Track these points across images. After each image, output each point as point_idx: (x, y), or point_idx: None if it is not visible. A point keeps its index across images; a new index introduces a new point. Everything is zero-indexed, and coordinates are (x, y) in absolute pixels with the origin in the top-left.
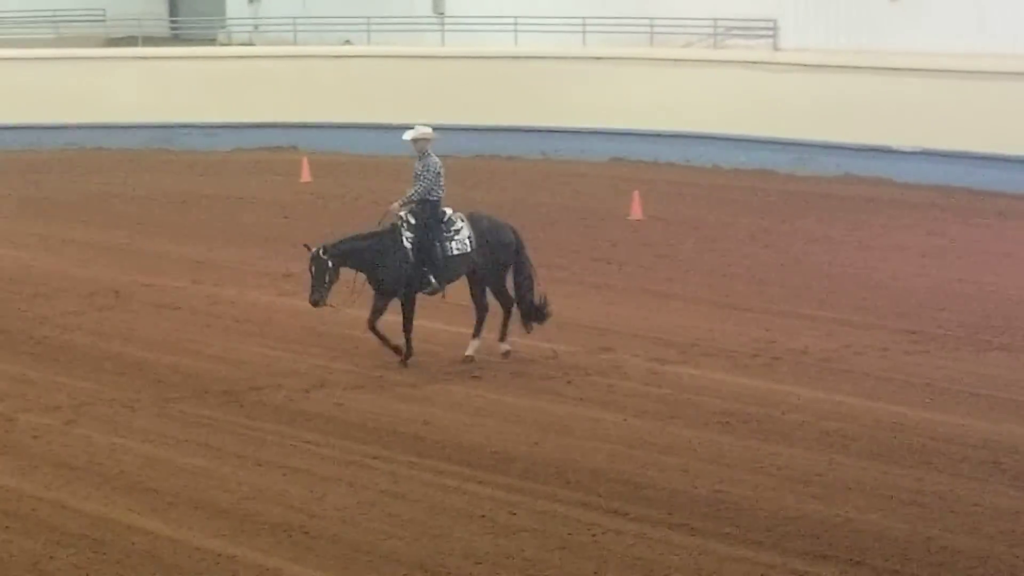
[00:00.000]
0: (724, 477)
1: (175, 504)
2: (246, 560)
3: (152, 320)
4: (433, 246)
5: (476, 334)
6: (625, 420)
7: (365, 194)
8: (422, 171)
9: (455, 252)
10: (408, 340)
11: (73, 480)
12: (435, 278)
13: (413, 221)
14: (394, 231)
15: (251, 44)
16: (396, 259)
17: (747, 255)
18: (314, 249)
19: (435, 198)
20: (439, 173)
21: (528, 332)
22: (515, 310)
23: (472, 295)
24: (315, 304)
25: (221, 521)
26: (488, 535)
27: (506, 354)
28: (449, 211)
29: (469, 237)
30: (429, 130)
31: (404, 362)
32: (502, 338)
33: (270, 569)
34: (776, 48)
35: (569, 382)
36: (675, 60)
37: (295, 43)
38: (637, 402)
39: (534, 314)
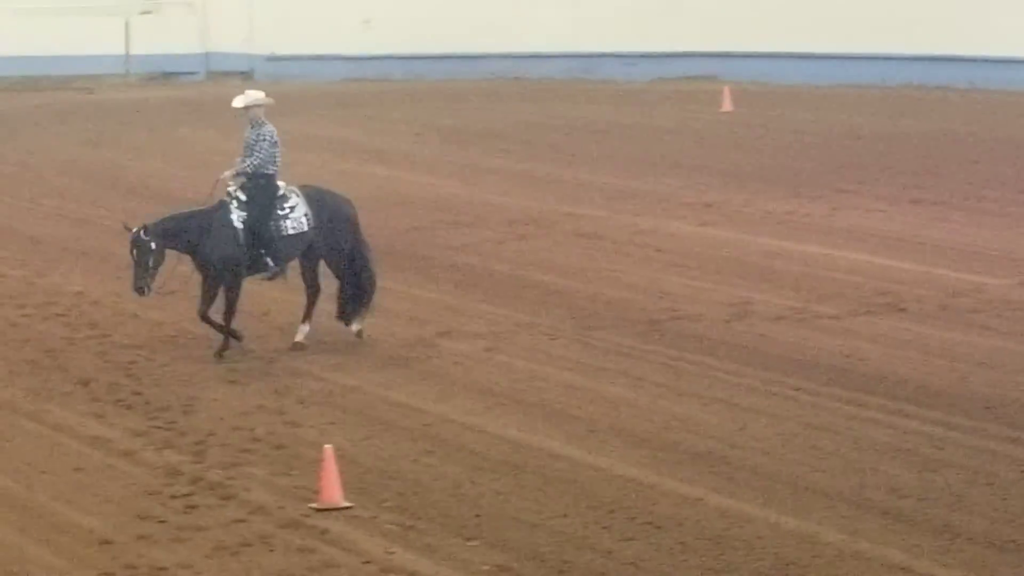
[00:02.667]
0: None
1: (595, 432)
2: (666, 488)
3: (572, 249)
4: (267, 226)
5: (307, 317)
6: None
7: (786, 124)
8: (256, 141)
9: (290, 232)
10: (229, 327)
11: (494, 406)
12: (273, 260)
13: (243, 198)
14: (222, 208)
15: None
16: (223, 239)
17: None
18: (134, 230)
19: (271, 171)
20: (275, 143)
21: (347, 324)
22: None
23: (303, 275)
24: (140, 292)
25: (641, 450)
26: (913, 470)
27: (359, 334)
28: (283, 186)
29: (306, 214)
30: (262, 95)
31: (221, 353)
32: (351, 321)
33: (691, 498)
34: None
35: (998, 315)
36: None
37: None
38: None
39: (366, 302)
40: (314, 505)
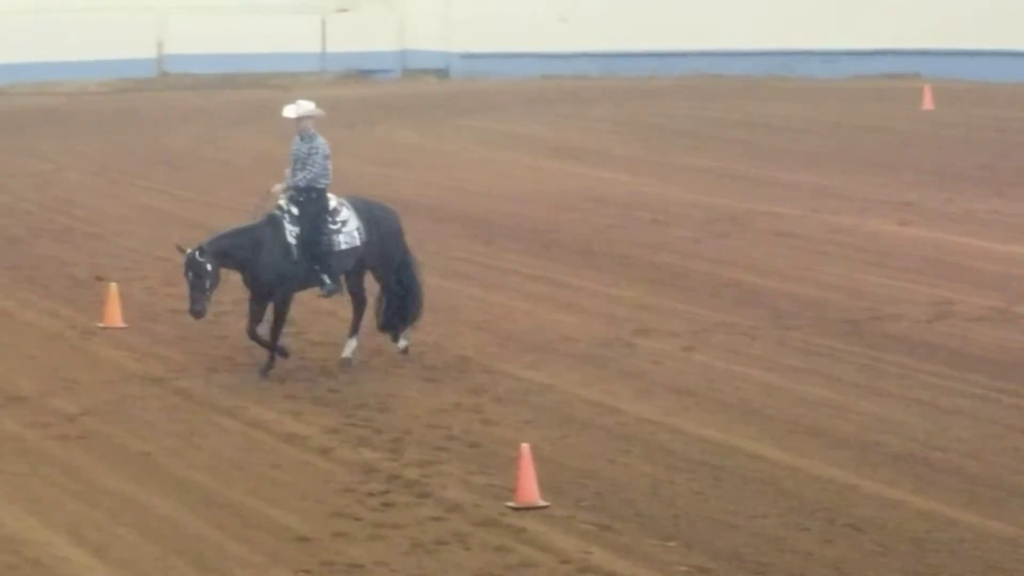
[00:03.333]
0: None
1: (794, 432)
2: (867, 490)
3: (770, 248)
4: (321, 241)
5: (354, 331)
6: None
7: (988, 123)
8: (308, 153)
9: (344, 246)
10: (276, 344)
11: (691, 406)
12: (329, 276)
13: (296, 212)
14: (274, 223)
15: None
16: (276, 255)
17: None
18: (189, 251)
19: (322, 185)
20: (328, 156)
21: (394, 339)
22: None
23: (349, 288)
24: (198, 316)
25: (841, 451)
26: None
27: (405, 350)
28: (333, 199)
29: (358, 228)
30: (313, 106)
31: (266, 372)
32: (397, 336)
33: (892, 500)
34: None
35: None
36: None
37: None
38: None
39: (414, 315)
40: (510, 504)
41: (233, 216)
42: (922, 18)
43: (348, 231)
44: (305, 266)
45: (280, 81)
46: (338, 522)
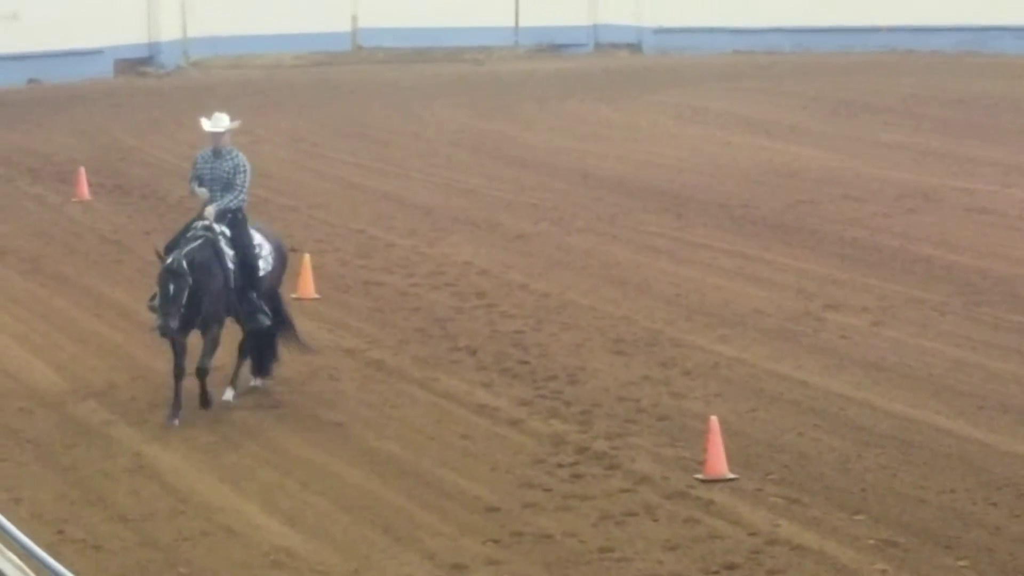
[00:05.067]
0: None
1: (984, 408)
2: None
3: (962, 223)
4: (257, 266)
5: (254, 369)
6: None
7: None
8: (233, 172)
9: (262, 272)
10: (205, 387)
11: (881, 381)
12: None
13: (230, 234)
14: (212, 246)
15: None
16: (220, 282)
17: None
18: (170, 259)
19: (244, 204)
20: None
21: (259, 376)
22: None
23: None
24: (169, 334)
25: None
26: None
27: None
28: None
29: (270, 252)
30: (228, 119)
31: (208, 404)
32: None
33: None
34: None
35: None
36: None
37: None
38: None
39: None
40: (699, 476)
41: (425, 189)
42: None
43: (264, 255)
44: (237, 294)
45: (473, 55)
46: (527, 493)
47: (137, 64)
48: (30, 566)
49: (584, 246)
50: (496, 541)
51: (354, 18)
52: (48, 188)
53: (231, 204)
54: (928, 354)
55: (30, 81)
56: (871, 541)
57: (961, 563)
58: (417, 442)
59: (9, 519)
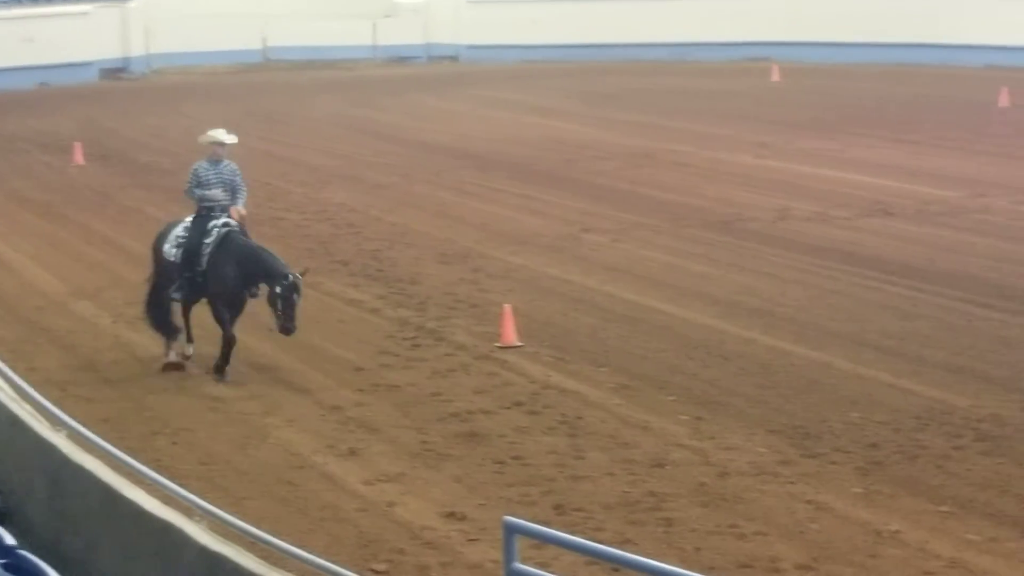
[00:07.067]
0: None
1: (685, 295)
2: (732, 333)
3: (671, 173)
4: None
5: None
6: (993, 243)
7: (817, 90)
8: (233, 176)
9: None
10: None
11: (618, 278)
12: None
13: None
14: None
15: None
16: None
17: None
18: (298, 274)
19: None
20: None
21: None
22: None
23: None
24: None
25: (716, 306)
26: (896, 319)
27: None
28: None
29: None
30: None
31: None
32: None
33: (748, 339)
34: None
35: (955, 217)
36: None
37: None
38: (1002, 231)
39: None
40: (498, 344)
41: (313, 154)
42: (773, 18)
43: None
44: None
45: (345, 65)
46: (383, 357)
47: (115, 72)
48: (43, 415)
49: (421, 192)
50: (361, 390)
51: (264, 39)
52: (54, 157)
53: (244, 204)
54: (649, 260)
55: (40, 84)
56: (611, 385)
57: (671, 398)
58: (307, 324)
59: (27, 382)
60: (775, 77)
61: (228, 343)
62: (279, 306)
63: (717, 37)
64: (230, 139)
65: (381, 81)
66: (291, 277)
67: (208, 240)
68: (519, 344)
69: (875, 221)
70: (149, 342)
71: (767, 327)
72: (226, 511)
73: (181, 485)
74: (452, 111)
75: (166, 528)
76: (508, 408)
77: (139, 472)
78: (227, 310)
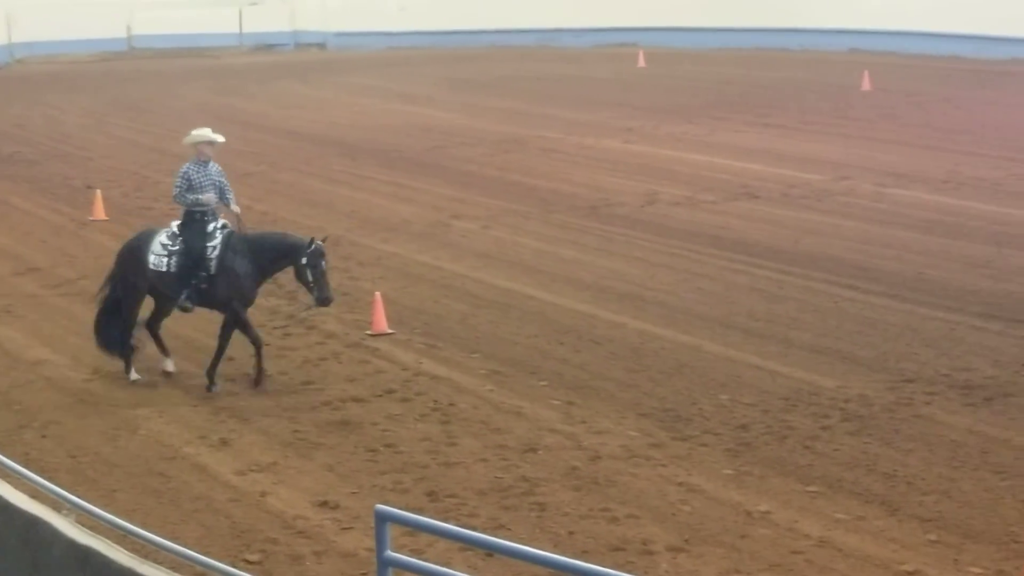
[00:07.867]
0: (926, 264)
1: (555, 281)
2: (602, 317)
3: (540, 160)
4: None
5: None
6: (857, 225)
7: (682, 76)
8: (219, 176)
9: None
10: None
11: (488, 264)
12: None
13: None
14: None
15: None
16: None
17: (944, 114)
18: (321, 241)
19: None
20: None
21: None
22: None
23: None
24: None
25: (586, 291)
26: (764, 301)
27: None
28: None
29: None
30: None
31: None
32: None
33: (618, 324)
34: None
35: (819, 200)
36: None
37: None
38: (866, 213)
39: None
40: (369, 332)
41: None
42: (639, 3)
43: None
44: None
45: (212, 53)
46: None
47: None
48: None
49: (289, 180)
50: (233, 380)
51: (129, 28)
52: None
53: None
54: (519, 246)
55: None
56: (483, 371)
57: (542, 383)
58: (175, 314)
59: None
60: (641, 63)
61: (258, 346)
62: (309, 277)
63: (583, 23)
64: (219, 138)
65: (248, 69)
66: (314, 244)
67: (212, 243)
68: (390, 332)
69: (742, 205)
70: (16, 334)
71: (637, 311)
72: (96, 504)
73: (49, 479)
74: (319, 99)
75: (33, 522)
76: (380, 396)
77: (5, 466)
78: (244, 311)
